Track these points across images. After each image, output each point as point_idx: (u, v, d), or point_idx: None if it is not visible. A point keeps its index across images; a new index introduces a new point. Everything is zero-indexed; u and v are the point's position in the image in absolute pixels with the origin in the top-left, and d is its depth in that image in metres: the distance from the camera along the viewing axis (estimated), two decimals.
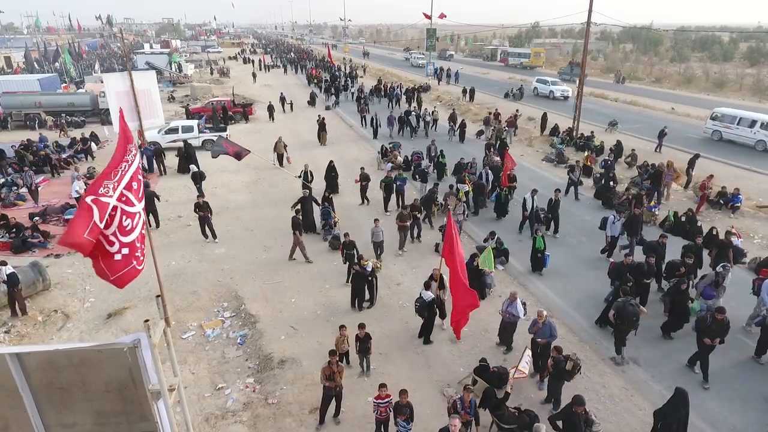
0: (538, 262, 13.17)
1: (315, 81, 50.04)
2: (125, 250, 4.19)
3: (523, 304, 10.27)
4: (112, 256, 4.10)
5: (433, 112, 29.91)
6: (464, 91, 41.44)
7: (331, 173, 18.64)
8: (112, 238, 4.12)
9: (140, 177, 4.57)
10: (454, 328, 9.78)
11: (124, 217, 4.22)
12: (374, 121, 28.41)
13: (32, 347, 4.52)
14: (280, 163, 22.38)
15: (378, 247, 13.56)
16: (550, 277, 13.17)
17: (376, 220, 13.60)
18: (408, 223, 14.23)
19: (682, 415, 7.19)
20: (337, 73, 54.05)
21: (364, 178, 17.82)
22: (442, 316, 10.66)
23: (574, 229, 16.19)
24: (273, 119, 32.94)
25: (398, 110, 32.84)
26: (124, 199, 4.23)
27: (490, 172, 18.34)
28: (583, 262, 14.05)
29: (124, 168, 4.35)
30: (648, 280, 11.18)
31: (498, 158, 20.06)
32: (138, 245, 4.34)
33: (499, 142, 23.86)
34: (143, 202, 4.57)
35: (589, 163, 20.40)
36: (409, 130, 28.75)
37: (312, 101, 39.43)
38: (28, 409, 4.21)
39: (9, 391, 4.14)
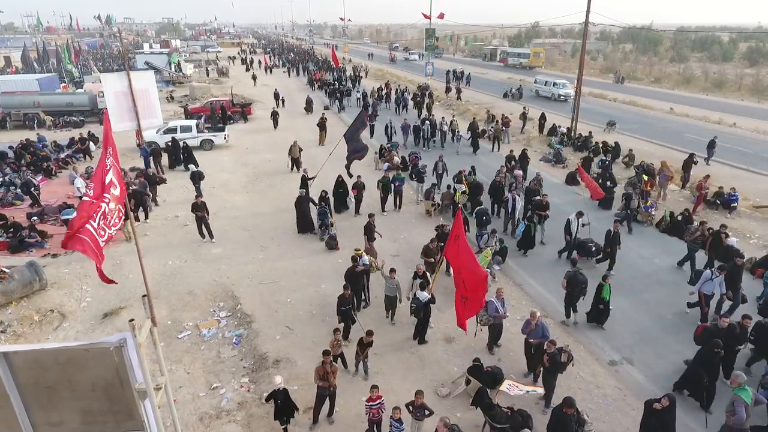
0: (601, 314, 10.79)
1: (318, 84, 47.87)
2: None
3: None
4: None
5: (451, 122, 26.96)
6: (448, 89, 40.74)
7: (339, 189, 17.20)
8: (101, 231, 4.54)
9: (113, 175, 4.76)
10: (461, 321, 9.28)
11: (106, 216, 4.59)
12: (388, 129, 25.79)
13: (18, 346, 4.55)
14: (294, 167, 22.14)
15: (390, 303, 10.99)
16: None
17: (392, 271, 10.88)
18: (434, 259, 12.25)
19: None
20: (341, 74, 51.91)
21: (361, 187, 17.02)
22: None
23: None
24: (277, 126, 30.94)
25: (406, 116, 30.41)
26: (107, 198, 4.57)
27: (518, 198, 15.29)
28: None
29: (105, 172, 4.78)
30: (741, 345, 9.17)
31: (520, 171, 18.39)
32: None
33: (520, 153, 20.94)
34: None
35: (649, 188, 17.67)
36: (423, 140, 26.12)
37: (309, 107, 35.94)
38: (15, 408, 4.23)
39: None
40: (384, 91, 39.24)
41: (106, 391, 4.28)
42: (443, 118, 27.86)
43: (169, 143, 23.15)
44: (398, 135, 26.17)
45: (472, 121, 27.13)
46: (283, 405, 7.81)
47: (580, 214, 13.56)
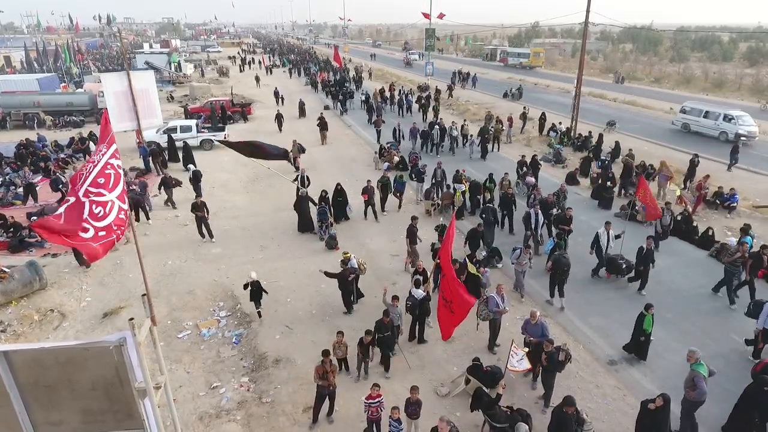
0: (641, 347, 9.78)
1: (322, 85, 47.02)
2: (102, 233, 4.76)
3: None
4: (86, 240, 4.70)
5: (462, 126, 25.82)
6: (438, 91, 40.31)
7: (338, 198, 16.29)
8: (85, 225, 4.69)
9: (112, 170, 5.11)
10: (442, 329, 9.34)
11: (95, 206, 4.82)
12: (396, 133, 25.15)
13: (18, 345, 4.56)
14: (295, 166, 22.05)
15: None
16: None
17: (394, 298, 10.05)
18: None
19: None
20: (344, 75, 51.13)
21: (371, 192, 16.52)
22: (428, 313, 10.60)
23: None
24: (281, 129, 30.04)
25: (415, 121, 29.57)
26: (93, 192, 4.90)
27: (540, 212, 13.94)
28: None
29: (90, 168, 4.99)
30: None
31: (533, 179, 17.59)
32: (115, 227, 4.92)
33: (531, 159, 19.88)
34: (117, 191, 5.10)
35: (682, 204, 16.78)
36: (431, 145, 24.97)
37: (301, 112, 34.50)
38: (15, 407, 4.24)
39: None
40: (387, 93, 38.46)
41: (105, 390, 4.29)
42: (453, 122, 27.19)
43: (166, 142, 23.18)
44: (406, 139, 25.63)
45: (483, 126, 26.34)
46: (256, 291, 10.98)
47: (608, 225, 12.53)
